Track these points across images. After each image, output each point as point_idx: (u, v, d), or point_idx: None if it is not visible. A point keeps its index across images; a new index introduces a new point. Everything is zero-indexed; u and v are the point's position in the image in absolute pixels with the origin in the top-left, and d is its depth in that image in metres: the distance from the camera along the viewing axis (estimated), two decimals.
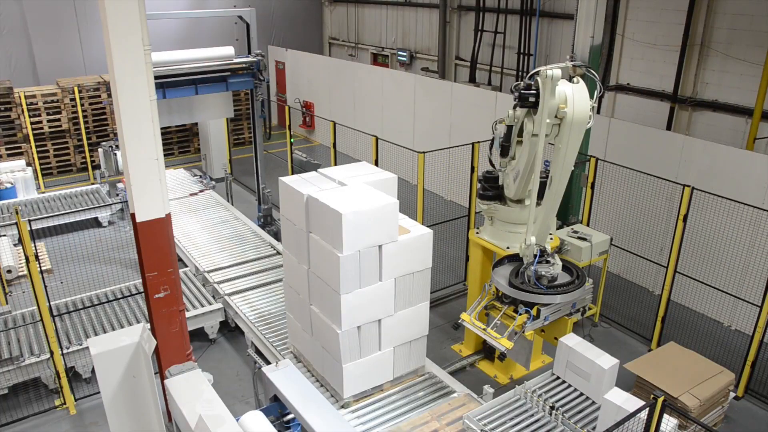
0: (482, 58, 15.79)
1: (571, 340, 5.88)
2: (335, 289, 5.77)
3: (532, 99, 5.61)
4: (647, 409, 4.58)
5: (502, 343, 6.04)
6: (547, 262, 6.09)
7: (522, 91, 5.65)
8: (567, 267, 6.50)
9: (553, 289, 6.08)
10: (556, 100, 5.45)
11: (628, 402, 5.06)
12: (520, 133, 6.93)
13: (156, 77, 5.87)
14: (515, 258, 6.51)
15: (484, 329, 6.23)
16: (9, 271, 9.73)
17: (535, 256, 6.03)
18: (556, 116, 5.54)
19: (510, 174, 6.84)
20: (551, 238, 8.13)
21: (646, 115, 11.94)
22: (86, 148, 14.92)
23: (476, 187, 8.25)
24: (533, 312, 6.09)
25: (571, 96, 5.44)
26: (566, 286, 6.15)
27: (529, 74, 5.72)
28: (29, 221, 6.61)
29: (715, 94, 11.02)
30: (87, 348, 7.23)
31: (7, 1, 15.86)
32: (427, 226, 6.46)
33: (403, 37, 18.84)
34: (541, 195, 7.15)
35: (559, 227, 8.63)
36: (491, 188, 7.14)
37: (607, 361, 5.64)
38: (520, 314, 6.10)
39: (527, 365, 6.73)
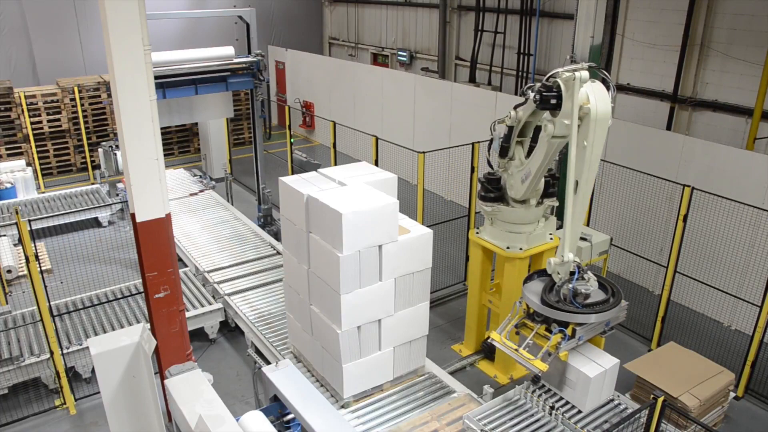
0: (482, 58, 15.79)
1: None
2: (335, 289, 5.77)
3: (554, 101, 5.57)
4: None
5: (537, 365, 5.52)
6: (583, 278, 5.66)
7: (544, 93, 5.60)
8: (600, 283, 6.04)
9: (591, 308, 5.59)
10: (579, 100, 5.44)
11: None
12: (520, 134, 6.96)
13: (156, 77, 5.87)
14: (545, 272, 6.01)
15: (516, 350, 5.72)
16: (9, 271, 9.72)
17: (572, 272, 5.64)
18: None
19: (516, 175, 6.82)
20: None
21: (646, 115, 11.93)
22: (86, 148, 14.92)
23: (476, 188, 8.24)
24: (568, 331, 5.60)
25: (592, 93, 5.38)
26: (603, 305, 5.65)
27: (547, 76, 5.70)
28: (29, 221, 6.61)
29: (715, 94, 11.02)
30: (87, 348, 7.23)
31: (7, 1, 15.86)
32: (427, 226, 6.46)
33: (403, 37, 18.84)
34: (545, 194, 7.13)
35: (558, 227, 8.62)
36: (495, 189, 7.11)
37: (607, 361, 5.64)
38: (555, 334, 5.60)
39: (560, 387, 6.02)
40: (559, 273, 5.66)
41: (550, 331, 5.66)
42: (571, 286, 5.59)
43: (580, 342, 5.73)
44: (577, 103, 5.32)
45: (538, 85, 5.83)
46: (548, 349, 5.57)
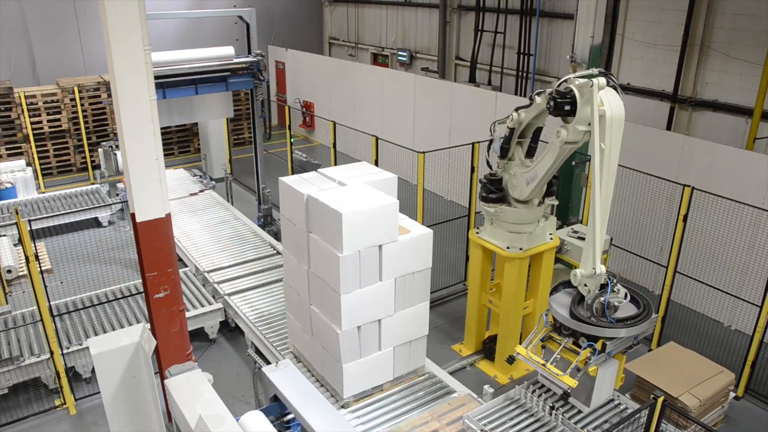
0: (482, 58, 15.79)
1: None
2: (335, 289, 5.77)
3: (568, 107, 5.58)
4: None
5: (566, 382, 5.33)
6: (614, 290, 5.46)
7: (558, 100, 5.60)
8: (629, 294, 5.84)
9: (623, 322, 5.38)
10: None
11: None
12: (520, 135, 6.97)
13: (156, 77, 5.87)
14: (570, 283, 5.82)
15: (544, 365, 5.53)
16: (9, 271, 9.72)
17: (603, 285, 5.47)
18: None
19: (520, 176, 6.82)
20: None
21: (646, 115, 11.93)
22: (86, 148, 14.92)
23: (477, 189, 8.22)
24: (598, 346, 5.39)
25: (605, 97, 5.35)
26: (635, 318, 5.46)
27: (559, 82, 5.70)
28: (29, 221, 6.60)
29: (715, 94, 11.02)
30: (87, 348, 7.23)
31: (7, 1, 15.86)
32: (427, 226, 6.46)
33: (403, 37, 18.84)
34: (546, 193, 7.14)
35: (559, 227, 8.63)
36: (497, 190, 7.11)
37: (606, 363, 5.64)
38: (584, 348, 5.40)
39: (588, 403, 5.84)
40: (586, 285, 5.48)
41: (579, 345, 5.46)
42: (603, 299, 5.38)
43: (609, 357, 5.58)
44: (597, 110, 5.29)
45: (549, 90, 5.82)
46: (577, 364, 5.38)
